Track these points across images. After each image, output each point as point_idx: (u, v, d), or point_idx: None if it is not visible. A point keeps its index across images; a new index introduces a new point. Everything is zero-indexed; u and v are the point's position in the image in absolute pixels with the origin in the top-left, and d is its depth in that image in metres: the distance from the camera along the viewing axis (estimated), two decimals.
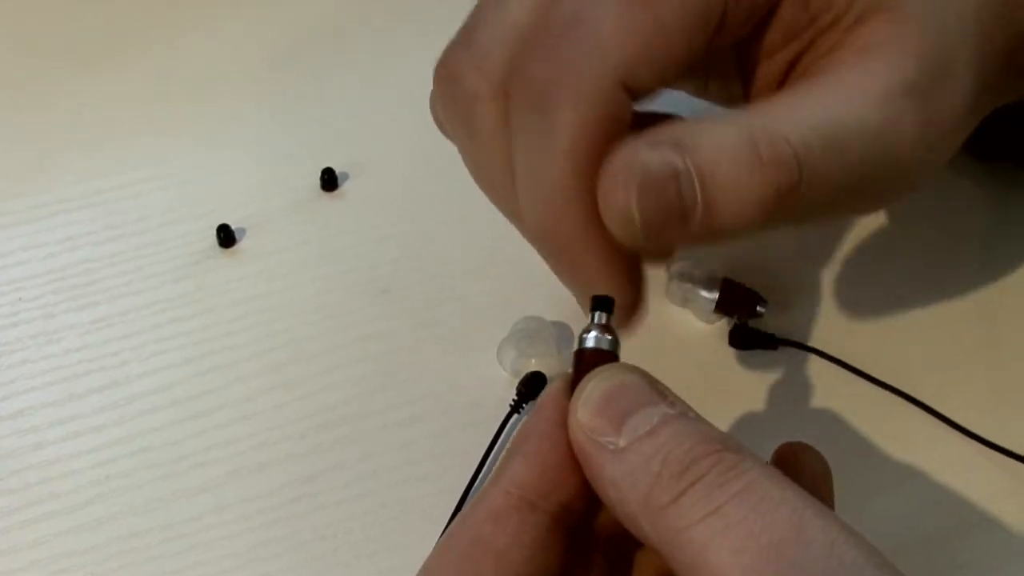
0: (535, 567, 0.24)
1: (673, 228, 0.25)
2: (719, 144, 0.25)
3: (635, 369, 0.25)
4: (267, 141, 0.50)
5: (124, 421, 0.40)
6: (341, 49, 0.55)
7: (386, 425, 0.39)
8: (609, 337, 0.26)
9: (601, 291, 0.27)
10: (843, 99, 0.27)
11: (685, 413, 0.24)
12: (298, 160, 0.49)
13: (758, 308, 0.41)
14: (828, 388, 0.40)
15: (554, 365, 0.40)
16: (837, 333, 0.41)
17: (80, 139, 0.51)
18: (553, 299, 0.42)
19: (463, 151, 0.31)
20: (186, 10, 0.57)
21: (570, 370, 0.26)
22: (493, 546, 0.24)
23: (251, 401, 0.40)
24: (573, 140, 0.26)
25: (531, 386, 0.39)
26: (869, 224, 0.45)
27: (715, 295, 0.41)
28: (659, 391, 0.24)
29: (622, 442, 0.23)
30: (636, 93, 0.27)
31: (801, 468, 0.27)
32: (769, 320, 0.41)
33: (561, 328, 0.41)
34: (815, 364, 0.40)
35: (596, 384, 0.24)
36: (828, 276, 0.43)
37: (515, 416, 0.39)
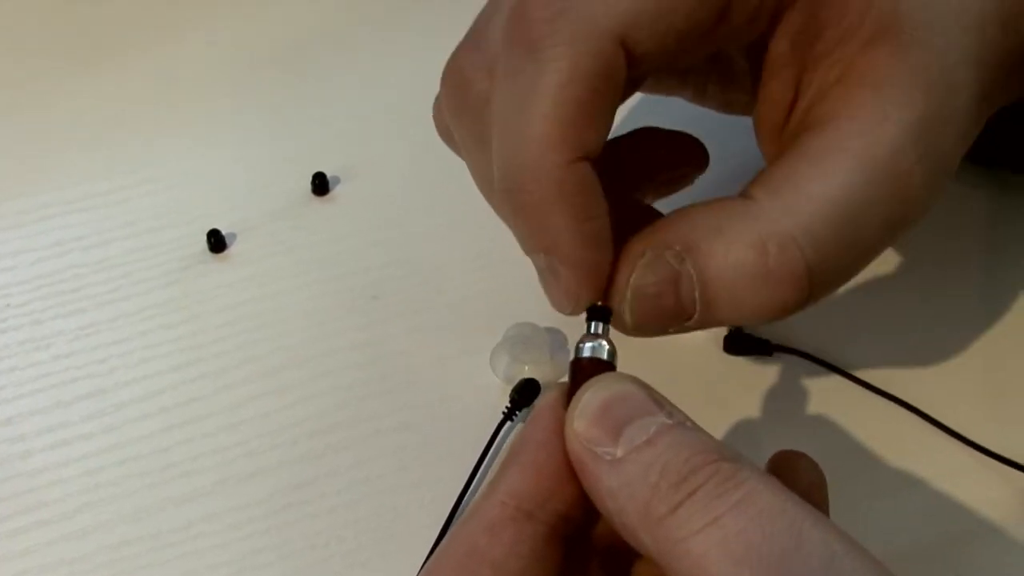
0: None
1: (668, 325, 0.26)
2: (727, 250, 0.25)
3: (632, 379, 0.25)
4: (258, 145, 0.50)
5: (113, 429, 0.39)
6: (333, 53, 0.55)
7: (378, 432, 0.39)
8: (606, 346, 0.26)
9: (568, 252, 0.26)
10: (854, 165, 0.26)
11: (682, 423, 0.24)
12: (289, 164, 0.49)
13: None
14: (824, 395, 0.40)
15: (548, 372, 0.39)
16: (833, 339, 0.41)
17: (68, 143, 0.50)
18: (546, 304, 0.41)
19: (470, 159, 0.31)
20: (177, 14, 0.57)
21: (566, 379, 0.26)
22: (489, 557, 0.24)
23: (241, 408, 0.40)
24: (562, 83, 0.25)
25: (524, 393, 0.38)
26: None
27: None
28: (656, 400, 0.24)
29: (619, 452, 0.23)
30: (633, 56, 0.26)
31: (796, 476, 0.27)
32: (764, 326, 0.41)
33: (555, 334, 0.41)
34: (811, 371, 0.40)
35: (593, 394, 0.24)
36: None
37: (508, 423, 0.38)
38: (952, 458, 0.38)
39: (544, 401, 0.26)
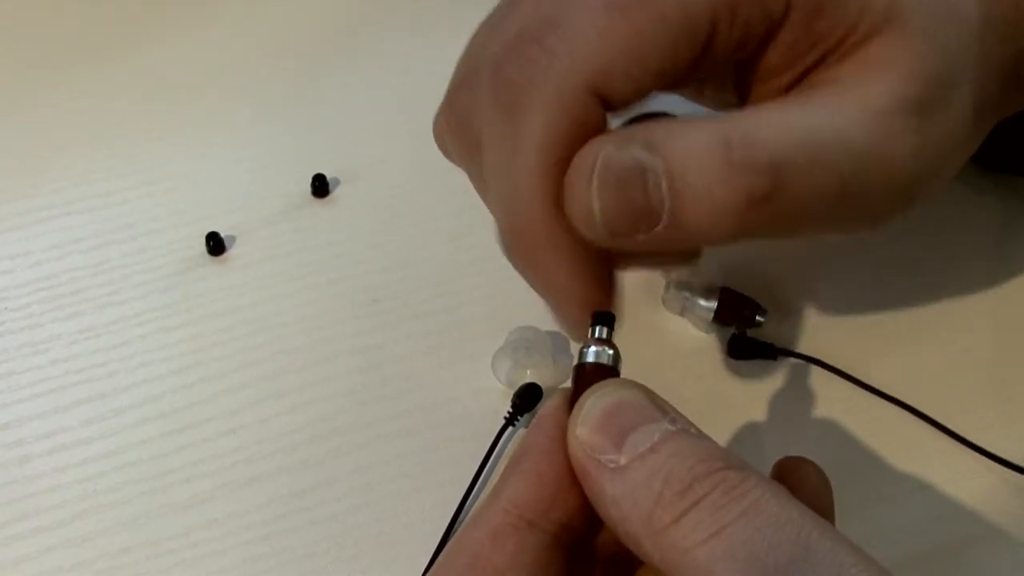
0: None
1: (638, 227, 0.25)
2: (691, 144, 0.25)
3: (636, 385, 0.24)
4: (257, 147, 0.50)
5: (111, 434, 0.39)
6: (333, 54, 0.54)
7: (378, 437, 0.39)
8: (610, 351, 0.25)
9: (569, 295, 0.27)
10: (833, 112, 0.26)
11: (687, 430, 0.23)
12: (289, 166, 0.48)
13: (757, 318, 0.40)
14: (828, 399, 0.39)
15: (550, 376, 0.39)
16: (837, 343, 0.40)
17: (67, 144, 0.50)
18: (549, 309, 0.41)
19: (476, 186, 0.31)
20: (175, 16, 0.57)
21: (568, 384, 0.26)
22: (492, 565, 0.23)
23: (240, 413, 0.40)
24: (540, 144, 0.26)
25: (526, 398, 0.38)
26: (870, 233, 0.44)
27: (713, 304, 0.40)
28: (660, 407, 0.24)
29: (623, 460, 0.23)
30: (610, 101, 0.26)
31: (801, 482, 0.27)
32: (768, 330, 0.41)
33: (557, 338, 0.41)
34: (815, 375, 0.40)
35: (596, 400, 0.24)
36: (828, 285, 0.43)
37: (510, 428, 0.38)
38: (959, 463, 0.37)
39: (546, 408, 0.25)
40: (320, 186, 0.47)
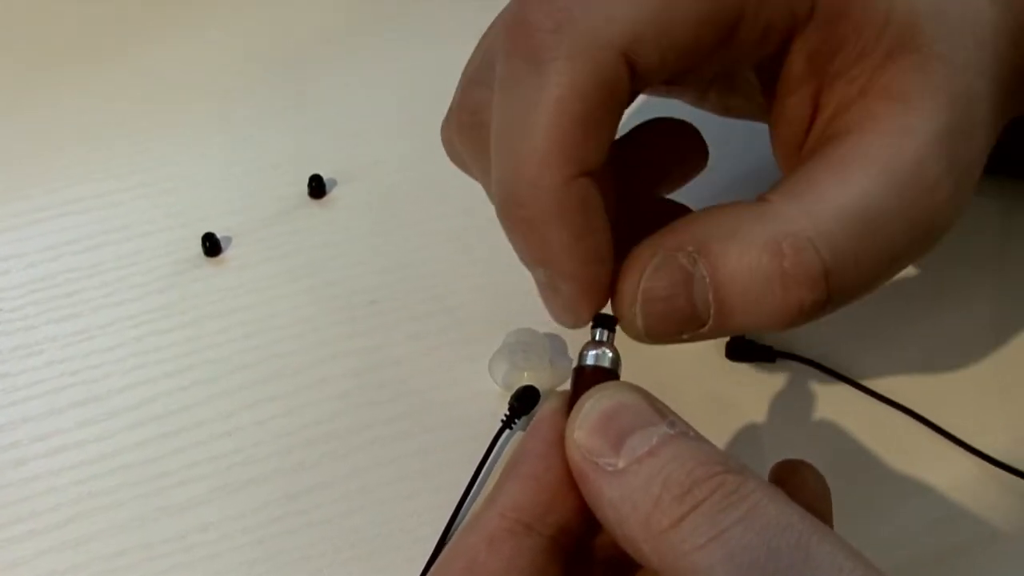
0: None
1: (683, 331, 0.25)
2: (741, 251, 0.24)
3: (634, 387, 0.24)
4: (254, 147, 0.50)
5: (106, 437, 0.39)
6: (329, 54, 0.54)
7: (374, 441, 0.39)
8: (610, 354, 0.25)
9: (565, 270, 0.25)
10: (876, 174, 0.25)
11: (686, 433, 0.23)
12: (285, 167, 0.48)
13: None
14: (827, 402, 0.39)
15: (547, 378, 0.39)
16: (836, 346, 0.40)
17: (62, 145, 0.50)
18: (546, 310, 0.41)
19: (485, 184, 0.31)
20: (171, 16, 0.57)
21: (567, 385, 0.26)
22: (488, 570, 0.23)
23: (236, 416, 0.39)
24: (563, 98, 0.24)
25: (524, 400, 0.38)
26: None
27: None
28: (659, 410, 0.24)
29: (621, 463, 0.23)
30: (636, 70, 0.25)
31: (800, 486, 0.27)
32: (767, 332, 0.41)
33: (554, 341, 0.40)
34: (814, 377, 0.40)
35: (594, 403, 0.24)
36: None
37: (507, 431, 0.38)
38: (958, 467, 0.37)
39: (544, 411, 0.25)
40: (317, 187, 0.47)
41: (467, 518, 0.36)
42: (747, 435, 0.38)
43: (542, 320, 0.40)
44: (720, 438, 0.38)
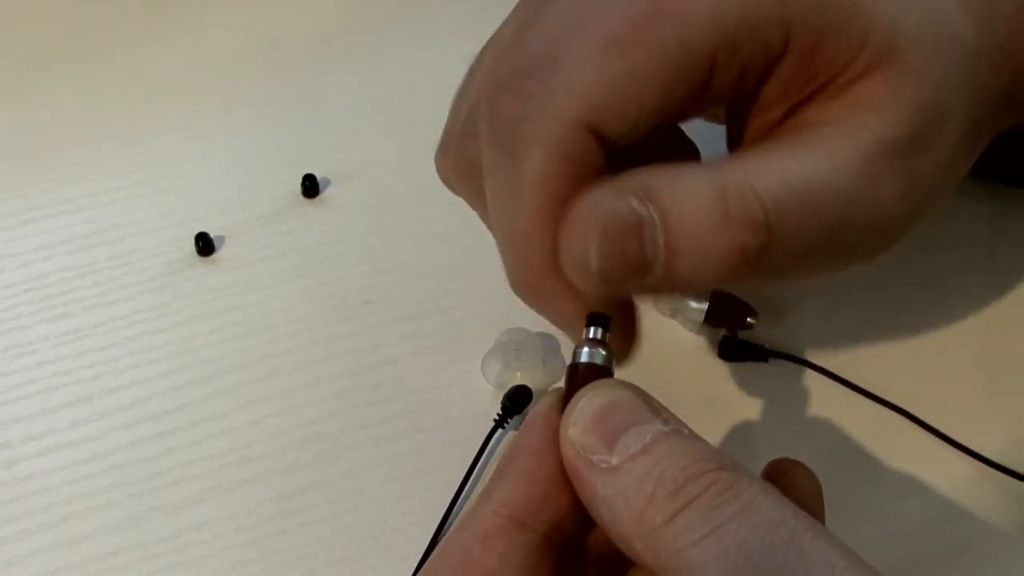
0: None
1: (632, 279, 0.25)
2: (687, 195, 0.24)
3: (628, 385, 0.24)
4: (247, 147, 0.50)
5: (99, 436, 0.39)
6: (323, 54, 0.54)
7: (368, 440, 0.39)
8: (603, 352, 0.25)
9: (579, 328, 0.26)
10: (823, 155, 0.26)
11: (679, 430, 0.23)
12: (279, 166, 0.48)
13: (748, 320, 0.40)
14: (819, 401, 0.39)
15: (540, 378, 0.39)
16: (829, 346, 0.40)
17: (55, 145, 0.50)
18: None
19: (487, 224, 0.31)
20: (165, 16, 0.57)
21: (559, 384, 0.26)
22: (482, 567, 0.23)
23: (230, 416, 0.39)
24: (537, 183, 0.26)
25: (516, 400, 0.38)
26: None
27: (704, 306, 0.40)
28: (653, 408, 0.24)
29: (615, 460, 0.23)
30: (607, 140, 0.26)
31: (792, 485, 0.27)
32: (760, 332, 0.41)
33: (547, 340, 0.40)
34: (806, 377, 0.40)
35: (588, 400, 0.24)
36: (820, 288, 0.43)
37: (500, 431, 0.38)
38: (951, 466, 0.37)
39: (538, 408, 0.25)
40: (310, 186, 0.47)
41: (460, 516, 0.36)
42: (740, 434, 0.38)
43: (535, 320, 0.40)
44: (713, 437, 0.38)
